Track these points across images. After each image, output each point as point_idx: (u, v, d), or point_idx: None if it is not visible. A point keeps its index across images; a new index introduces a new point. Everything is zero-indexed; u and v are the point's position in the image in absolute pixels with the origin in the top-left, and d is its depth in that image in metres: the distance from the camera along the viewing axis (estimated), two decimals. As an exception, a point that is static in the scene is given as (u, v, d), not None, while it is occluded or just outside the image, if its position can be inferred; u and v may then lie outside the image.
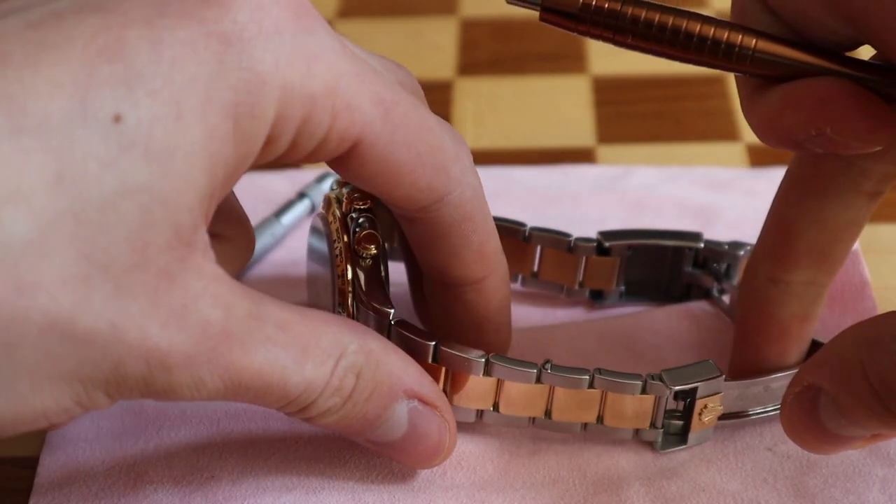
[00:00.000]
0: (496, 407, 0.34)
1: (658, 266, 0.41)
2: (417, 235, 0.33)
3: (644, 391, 0.33)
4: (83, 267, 0.25)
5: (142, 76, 0.26)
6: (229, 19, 0.27)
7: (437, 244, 0.33)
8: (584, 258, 0.40)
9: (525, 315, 0.41)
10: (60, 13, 0.26)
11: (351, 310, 0.34)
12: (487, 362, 0.33)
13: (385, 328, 0.33)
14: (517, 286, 0.41)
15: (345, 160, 0.30)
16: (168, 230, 0.26)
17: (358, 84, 0.29)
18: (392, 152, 0.30)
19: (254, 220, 0.35)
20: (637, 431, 0.35)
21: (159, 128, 0.26)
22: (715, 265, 0.40)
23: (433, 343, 0.33)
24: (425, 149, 0.30)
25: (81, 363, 0.26)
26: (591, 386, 0.33)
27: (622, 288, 0.41)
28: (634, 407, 0.34)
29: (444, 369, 0.33)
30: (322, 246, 0.35)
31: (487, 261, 0.34)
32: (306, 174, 0.47)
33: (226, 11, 0.27)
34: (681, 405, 0.34)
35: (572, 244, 0.39)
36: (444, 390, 0.34)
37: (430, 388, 0.32)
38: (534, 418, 0.34)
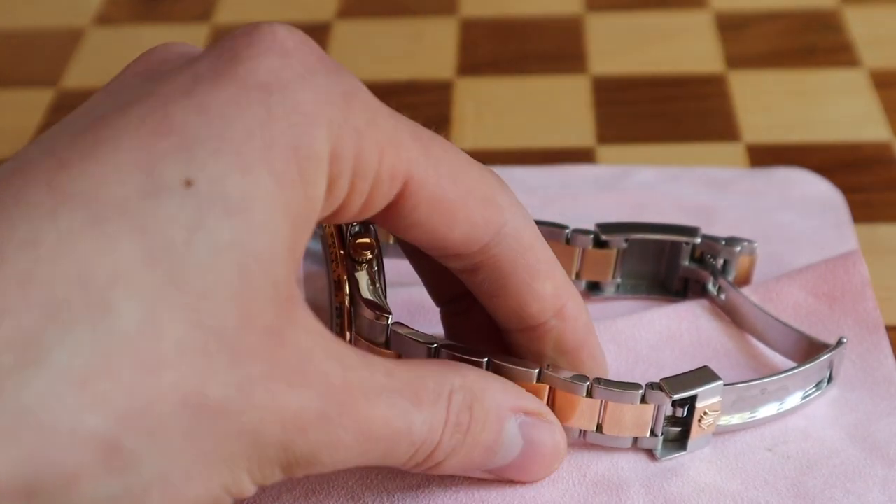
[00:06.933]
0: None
1: (655, 260, 0.41)
2: (485, 285, 0.33)
3: (643, 400, 0.33)
4: (197, 336, 0.25)
5: (199, 140, 0.26)
6: (263, 69, 0.27)
7: (507, 285, 0.32)
8: (580, 250, 0.40)
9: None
10: (104, 116, 0.26)
11: (348, 315, 0.34)
12: (489, 363, 0.33)
13: (383, 332, 0.33)
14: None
15: (398, 205, 0.29)
16: (266, 284, 0.26)
17: (394, 121, 0.29)
18: (442, 187, 0.29)
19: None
20: (636, 440, 0.35)
21: (230, 182, 0.26)
22: (712, 260, 0.40)
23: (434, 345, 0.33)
24: (471, 181, 0.30)
25: (221, 439, 0.25)
26: (589, 395, 0.33)
27: (619, 280, 0.41)
28: (634, 415, 0.34)
29: None
30: (318, 247, 0.35)
31: (560, 286, 0.33)
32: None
33: (257, 64, 0.27)
34: (679, 412, 0.34)
35: (569, 236, 0.39)
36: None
37: (529, 400, 0.33)
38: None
